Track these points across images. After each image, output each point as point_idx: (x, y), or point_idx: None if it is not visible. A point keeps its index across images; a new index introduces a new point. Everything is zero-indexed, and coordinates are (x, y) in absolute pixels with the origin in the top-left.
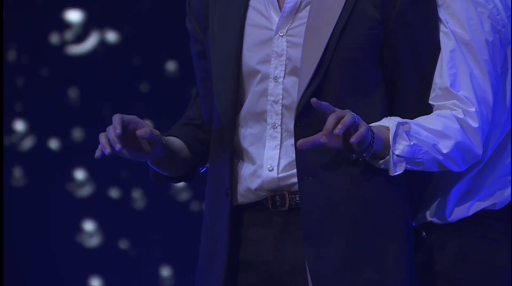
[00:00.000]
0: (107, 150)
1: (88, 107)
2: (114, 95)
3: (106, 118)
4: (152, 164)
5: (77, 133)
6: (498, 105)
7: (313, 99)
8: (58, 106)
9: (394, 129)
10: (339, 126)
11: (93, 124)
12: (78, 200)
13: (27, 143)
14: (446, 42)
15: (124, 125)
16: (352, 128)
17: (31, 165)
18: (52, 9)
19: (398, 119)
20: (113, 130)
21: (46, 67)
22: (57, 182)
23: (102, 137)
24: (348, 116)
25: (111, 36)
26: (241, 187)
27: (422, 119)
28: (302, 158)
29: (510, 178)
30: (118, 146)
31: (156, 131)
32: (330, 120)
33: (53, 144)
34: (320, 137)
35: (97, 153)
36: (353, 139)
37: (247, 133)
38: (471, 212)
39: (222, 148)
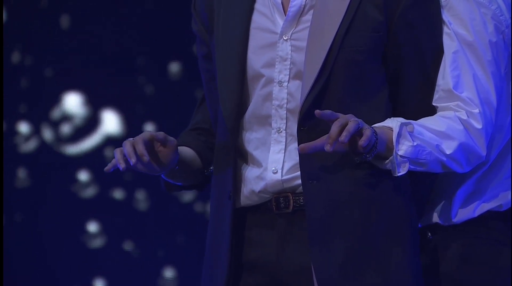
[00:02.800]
0: (122, 165)
1: (92, 108)
2: (118, 97)
3: (110, 119)
4: (165, 176)
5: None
6: (502, 106)
7: (317, 111)
8: (61, 106)
9: (397, 130)
10: (344, 133)
11: (96, 125)
12: (82, 201)
13: (31, 144)
14: (449, 44)
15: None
16: (356, 133)
17: (35, 166)
18: (55, 9)
19: (401, 120)
20: (132, 148)
21: (49, 69)
22: (61, 183)
23: (117, 152)
24: (352, 123)
25: (115, 38)
26: (245, 189)
27: (425, 120)
28: (305, 161)
29: None
30: (133, 160)
31: (173, 140)
32: (334, 128)
33: (57, 145)
34: (322, 143)
35: (108, 167)
36: (361, 142)
37: (251, 137)
38: (476, 214)
39: (226, 151)
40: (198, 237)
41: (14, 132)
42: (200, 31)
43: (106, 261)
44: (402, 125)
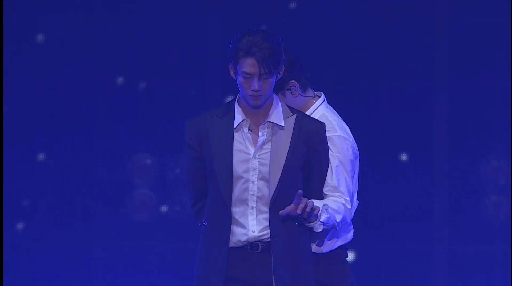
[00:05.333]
0: None
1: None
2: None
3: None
4: None
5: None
6: (353, 193)
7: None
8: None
9: (321, 208)
10: (308, 207)
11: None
12: None
13: None
14: (333, 161)
15: None
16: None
17: None
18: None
19: (323, 202)
20: None
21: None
22: None
23: None
24: (311, 202)
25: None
26: (234, 239)
27: (329, 202)
28: (272, 227)
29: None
30: None
31: None
32: (301, 204)
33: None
34: (293, 210)
35: None
36: (315, 212)
37: (237, 210)
38: (334, 247)
39: (225, 218)
40: None
41: None
42: (194, 147)
43: None
44: (324, 206)
